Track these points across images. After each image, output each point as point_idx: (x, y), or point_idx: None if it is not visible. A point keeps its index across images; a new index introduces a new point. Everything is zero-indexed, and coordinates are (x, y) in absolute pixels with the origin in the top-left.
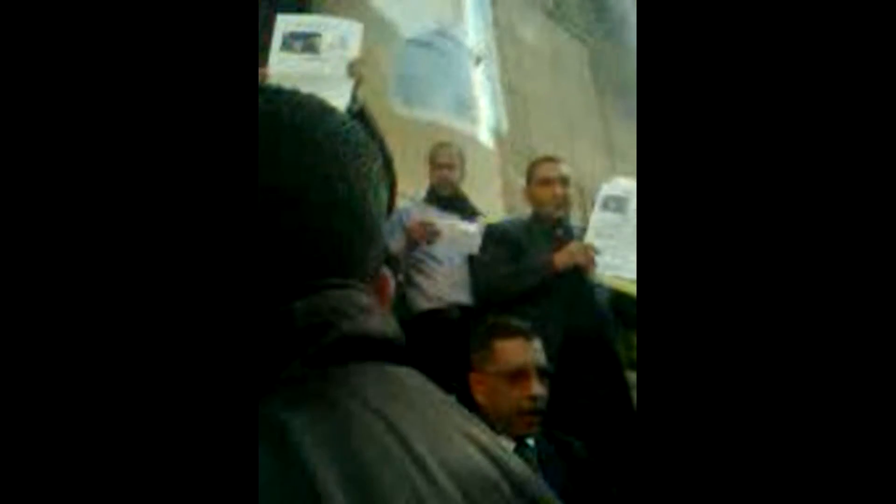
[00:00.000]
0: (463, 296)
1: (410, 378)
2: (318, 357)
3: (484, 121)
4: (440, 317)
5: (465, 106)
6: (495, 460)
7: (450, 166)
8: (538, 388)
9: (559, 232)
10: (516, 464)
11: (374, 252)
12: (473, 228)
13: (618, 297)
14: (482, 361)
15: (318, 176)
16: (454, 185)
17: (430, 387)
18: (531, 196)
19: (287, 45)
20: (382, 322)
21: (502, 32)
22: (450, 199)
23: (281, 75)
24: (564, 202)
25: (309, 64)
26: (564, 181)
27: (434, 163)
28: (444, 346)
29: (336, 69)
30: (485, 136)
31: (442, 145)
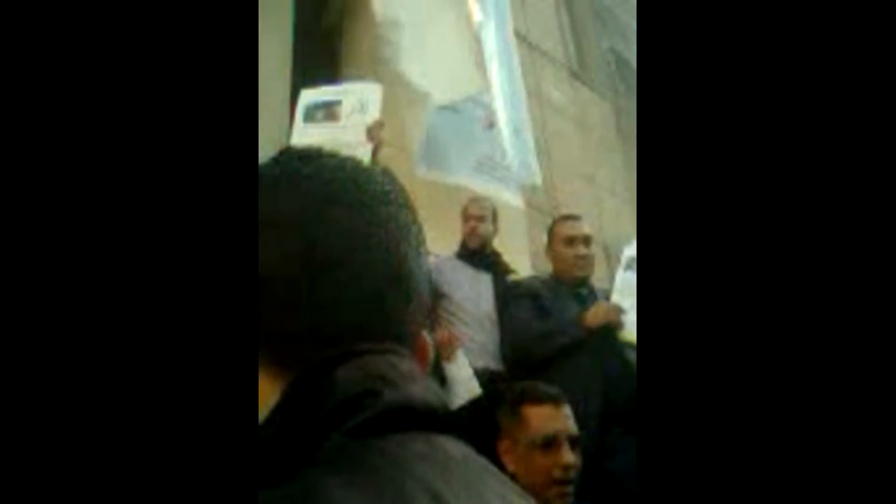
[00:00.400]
0: (492, 361)
1: (454, 447)
2: (360, 428)
3: (511, 181)
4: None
5: (491, 167)
6: None
7: (481, 218)
8: (570, 457)
9: (584, 291)
10: None
11: (414, 315)
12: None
13: None
14: (512, 429)
15: (360, 239)
16: (486, 238)
17: (473, 455)
18: (554, 255)
19: (309, 116)
20: (425, 390)
21: (530, 94)
22: (481, 254)
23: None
24: (587, 262)
25: (330, 132)
26: (587, 240)
27: (466, 215)
28: (472, 412)
29: (356, 135)
30: (512, 196)
31: (475, 199)
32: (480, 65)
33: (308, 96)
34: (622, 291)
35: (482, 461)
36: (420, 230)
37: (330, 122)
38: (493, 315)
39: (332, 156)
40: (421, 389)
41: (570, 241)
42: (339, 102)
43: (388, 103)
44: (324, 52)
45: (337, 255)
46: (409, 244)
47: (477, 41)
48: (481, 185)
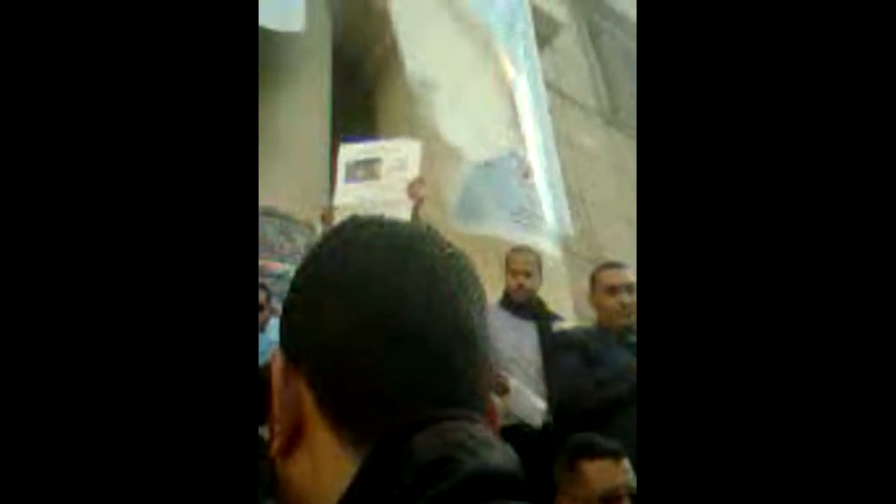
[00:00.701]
0: (537, 416)
1: None
2: (442, 498)
3: (547, 229)
4: (521, 434)
5: (527, 216)
6: None
7: (527, 274)
8: None
9: (632, 338)
10: None
11: (481, 375)
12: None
13: None
14: (569, 485)
15: (426, 303)
16: (532, 292)
17: None
18: (597, 304)
19: (350, 174)
20: (504, 456)
21: (562, 142)
22: (526, 306)
23: (345, 207)
24: (631, 310)
25: (370, 191)
26: (630, 288)
27: (511, 269)
28: (527, 467)
29: (397, 192)
30: (549, 245)
31: (518, 250)
32: (514, 120)
33: (348, 154)
34: None
35: None
36: (482, 292)
37: (371, 179)
38: (539, 363)
39: (395, 223)
40: (499, 455)
41: (613, 289)
42: (378, 160)
43: (424, 160)
44: (360, 112)
45: (405, 321)
46: (473, 305)
47: (511, 97)
48: (518, 236)
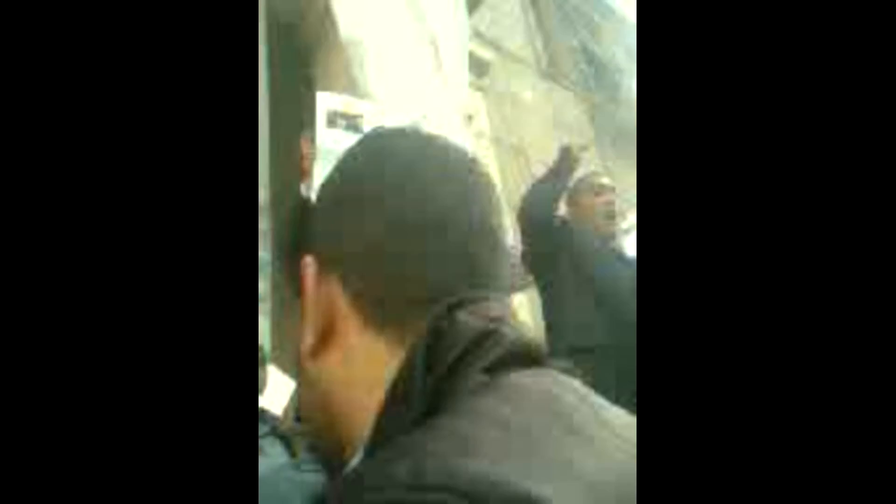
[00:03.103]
0: None
1: (573, 381)
2: (492, 366)
3: None
4: None
5: None
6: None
7: None
8: None
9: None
10: None
11: (504, 268)
12: None
13: None
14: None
15: (450, 203)
16: None
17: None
18: (578, 206)
19: (332, 122)
20: (532, 333)
21: (502, 96)
22: None
23: (327, 151)
24: (616, 212)
25: (352, 141)
26: (615, 192)
27: None
28: None
29: None
30: None
31: None
32: (441, 78)
33: (328, 103)
34: None
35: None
36: (496, 191)
37: (352, 131)
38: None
39: (417, 132)
40: (531, 332)
41: (601, 189)
42: (360, 115)
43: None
44: (297, 78)
45: (439, 220)
46: (494, 204)
47: (438, 56)
48: None
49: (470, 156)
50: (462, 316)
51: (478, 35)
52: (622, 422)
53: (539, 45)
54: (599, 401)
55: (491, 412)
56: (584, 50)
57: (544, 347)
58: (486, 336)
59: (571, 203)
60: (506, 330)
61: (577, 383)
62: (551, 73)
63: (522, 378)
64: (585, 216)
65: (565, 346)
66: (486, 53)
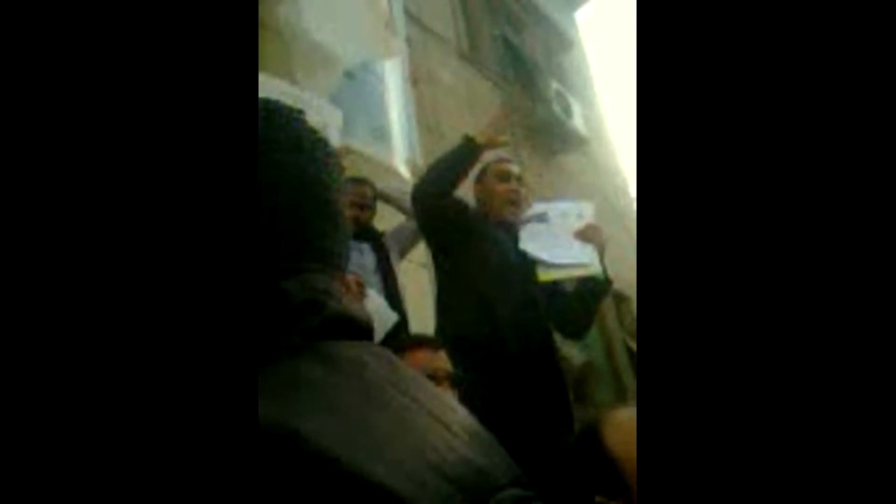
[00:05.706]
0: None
1: (391, 354)
2: (313, 332)
3: (399, 152)
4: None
5: (382, 136)
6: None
7: (361, 206)
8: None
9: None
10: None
11: (341, 248)
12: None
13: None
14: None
15: (295, 176)
16: (363, 224)
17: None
18: (483, 191)
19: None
20: (360, 308)
21: (422, 75)
22: (361, 234)
23: None
24: (520, 198)
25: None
26: (520, 181)
27: (349, 199)
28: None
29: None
30: (401, 167)
31: (357, 182)
32: (388, 26)
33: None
34: (526, 238)
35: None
36: (343, 175)
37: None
38: (379, 278)
39: (269, 103)
40: (357, 307)
41: (506, 175)
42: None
43: (305, 70)
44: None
45: (267, 190)
46: (337, 185)
47: (383, 6)
48: (376, 153)
49: (316, 136)
50: (287, 285)
51: (405, 10)
52: (429, 395)
53: (462, 28)
54: (411, 373)
55: (303, 372)
56: (506, 41)
57: (370, 322)
58: (308, 306)
59: (478, 182)
60: (328, 301)
61: (391, 355)
62: (472, 58)
63: (337, 347)
64: (488, 199)
65: (446, 331)
66: (410, 30)
